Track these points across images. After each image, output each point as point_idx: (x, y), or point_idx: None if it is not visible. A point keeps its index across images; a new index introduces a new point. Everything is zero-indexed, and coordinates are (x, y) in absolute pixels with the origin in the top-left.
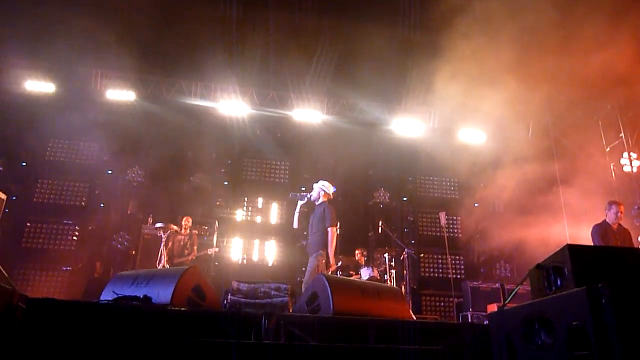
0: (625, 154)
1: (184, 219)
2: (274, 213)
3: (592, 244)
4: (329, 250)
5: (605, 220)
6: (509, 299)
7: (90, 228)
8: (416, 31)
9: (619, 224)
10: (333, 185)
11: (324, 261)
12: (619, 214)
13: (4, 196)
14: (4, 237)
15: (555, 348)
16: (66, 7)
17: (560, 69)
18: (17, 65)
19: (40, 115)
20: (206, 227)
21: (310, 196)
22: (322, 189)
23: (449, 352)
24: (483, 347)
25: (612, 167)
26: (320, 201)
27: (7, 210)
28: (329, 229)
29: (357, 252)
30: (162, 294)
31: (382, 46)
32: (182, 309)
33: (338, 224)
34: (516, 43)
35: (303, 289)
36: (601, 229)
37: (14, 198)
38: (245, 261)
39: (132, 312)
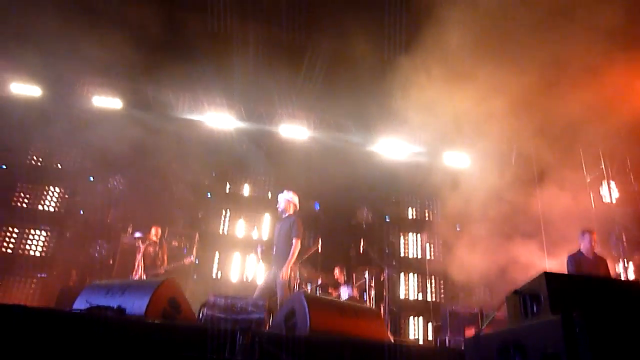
0: (605, 184)
1: (153, 228)
2: (257, 227)
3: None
4: (288, 261)
5: (579, 250)
6: (485, 324)
7: (68, 235)
8: (401, 53)
9: (595, 253)
10: (295, 195)
11: (292, 274)
12: (593, 242)
13: None
14: None
15: None
16: (55, 13)
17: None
18: (2, 68)
19: (24, 119)
20: (186, 239)
21: (281, 209)
22: (291, 200)
23: None
24: None
25: (591, 196)
26: (288, 213)
27: None
28: (295, 241)
29: (336, 269)
30: (136, 305)
31: (367, 67)
32: (156, 321)
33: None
34: (501, 71)
35: (279, 306)
36: (575, 260)
37: None
38: (223, 275)
39: (105, 322)
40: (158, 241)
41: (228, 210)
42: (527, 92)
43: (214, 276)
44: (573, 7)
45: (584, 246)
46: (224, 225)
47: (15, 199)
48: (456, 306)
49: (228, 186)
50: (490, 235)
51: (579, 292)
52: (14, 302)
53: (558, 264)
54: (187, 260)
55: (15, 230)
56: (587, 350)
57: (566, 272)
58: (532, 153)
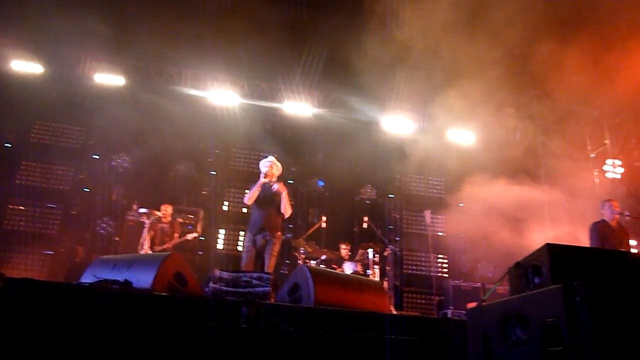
0: (609, 161)
1: (163, 207)
2: None
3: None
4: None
5: (603, 219)
6: (487, 295)
7: (73, 212)
8: (407, 30)
9: (618, 222)
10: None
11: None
12: (615, 209)
13: None
14: None
15: (530, 343)
16: None
17: (549, 75)
18: (3, 45)
19: (26, 96)
20: (192, 216)
21: (266, 174)
22: (278, 164)
23: (426, 343)
24: (460, 341)
25: (595, 172)
26: (275, 178)
27: None
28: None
29: (342, 246)
30: (142, 279)
31: (373, 43)
32: (163, 294)
33: None
34: (508, 47)
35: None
36: (599, 228)
37: None
38: (230, 251)
39: (112, 295)
40: (170, 219)
41: (232, 187)
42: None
43: (219, 251)
44: None
45: (606, 214)
46: (228, 202)
47: (20, 177)
48: (459, 281)
49: (232, 163)
50: (494, 212)
51: (581, 263)
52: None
53: (561, 237)
54: (190, 236)
55: (21, 208)
56: (587, 318)
57: (587, 242)
58: (536, 129)
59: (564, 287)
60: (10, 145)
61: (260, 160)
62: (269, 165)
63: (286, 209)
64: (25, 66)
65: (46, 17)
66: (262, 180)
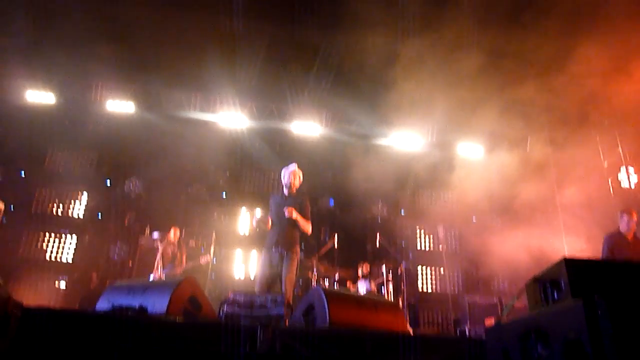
0: (623, 169)
1: (172, 229)
2: None
3: (601, 255)
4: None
5: (618, 231)
6: (505, 312)
7: (87, 239)
8: (413, 46)
9: (634, 235)
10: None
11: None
12: (632, 222)
13: (2, 205)
14: (1, 246)
15: None
16: (66, 19)
17: (557, 85)
18: (17, 76)
19: (40, 125)
20: (203, 239)
21: (290, 184)
22: (297, 173)
23: None
24: (479, 359)
25: (610, 182)
26: (294, 189)
27: (5, 220)
28: (309, 225)
29: (363, 265)
30: (157, 304)
31: (379, 60)
32: (178, 319)
33: None
34: (515, 59)
35: (285, 294)
36: (611, 240)
37: (12, 208)
38: (242, 273)
39: (128, 322)
40: (177, 242)
41: (243, 208)
42: (540, 76)
43: (231, 274)
44: None
45: (622, 226)
46: (239, 223)
47: (34, 205)
48: (475, 297)
49: (243, 185)
50: (507, 225)
51: (601, 276)
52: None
53: (577, 251)
54: (203, 260)
55: (35, 235)
56: (610, 333)
57: (600, 253)
58: (547, 140)
59: (584, 301)
60: (24, 174)
61: (269, 179)
62: (292, 174)
63: (304, 227)
64: (39, 96)
65: (58, 48)
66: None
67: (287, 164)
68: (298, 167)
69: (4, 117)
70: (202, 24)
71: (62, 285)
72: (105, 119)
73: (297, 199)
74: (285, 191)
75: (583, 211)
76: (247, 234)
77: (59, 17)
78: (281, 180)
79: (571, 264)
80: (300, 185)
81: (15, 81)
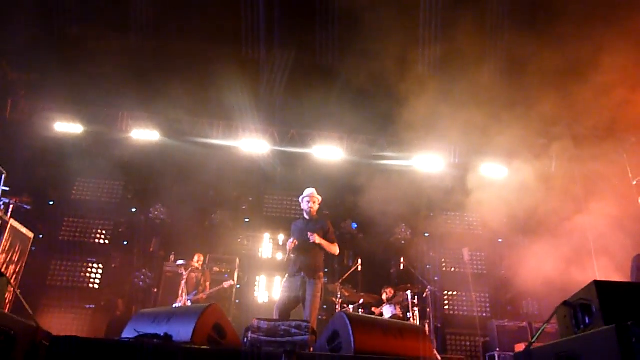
0: None
1: (196, 256)
2: None
3: (630, 275)
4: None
5: None
6: (535, 337)
7: (113, 266)
8: (436, 67)
9: None
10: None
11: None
12: None
13: (31, 234)
14: (29, 275)
15: None
16: (93, 52)
17: (583, 101)
18: (47, 109)
19: (67, 155)
20: (227, 265)
21: (309, 209)
22: (316, 197)
23: None
24: None
25: (639, 200)
26: (313, 213)
27: (33, 249)
28: (336, 246)
29: (387, 289)
30: (182, 332)
31: (400, 83)
32: (203, 347)
33: None
34: (538, 76)
35: (308, 320)
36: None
37: (41, 236)
38: (266, 298)
39: (154, 350)
40: (201, 268)
41: (267, 234)
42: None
43: (255, 300)
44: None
45: None
46: (263, 248)
47: (62, 233)
48: (504, 320)
49: (265, 210)
50: (534, 246)
51: (632, 300)
52: (67, 334)
53: (607, 272)
54: (226, 284)
55: (63, 263)
56: None
57: (629, 273)
58: (572, 158)
59: (617, 327)
60: (52, 203)
61: (292, 204)
62: (310, 199)
63: (330, 249)
64: (67, 127)
65: (86, 80)
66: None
67: (309, 188)
68: (317, 192)
69: (34, 149)
70: (224, 51)
71: (90, 312)
72: (130, 148)
73: (318, 222)
74: (306, 216)
75: (613, 231)
76: (269, 257)
77: (86, 51)
78: (301, 206)
79: (602, 288)
80: (320, 209)
81: (44, 113)
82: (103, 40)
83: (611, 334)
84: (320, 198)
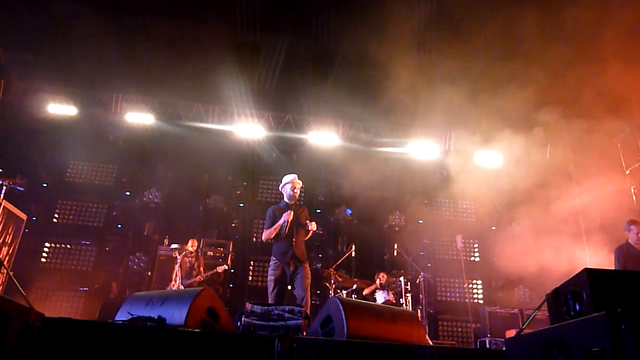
0: None
1: (190, 241)
2: None
3: (614, 267)
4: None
5: (627, 241)
6: (526, 324)
7: (107, 249)
8: (432, 53)
9: None
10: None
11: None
12: (639, 233)
13: (24, 216)
14: (23, 257)
15: None
16: (86, 34)
17: (577, 91)
18: (40, 90)
19: (61, 138)
20: (221, 249)
21: (294, 194)
22: (300, 183)
23: None
24: None
25: (632, 190)
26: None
27: (27, 230)
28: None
29: (381, 275)
30: (176, 315)
31: (396, 69)
32: (196, 330)
33: None
34: (533, 65)
35: (301, 302)
36: (622, 252)
37: (34, 218)
38: (260, 282)
39: (147, 332)
40: (194, 252)
41: (261, 219)
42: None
43: (248, 284)
44: None
45: (630, 238)
46: (256, 233)
47: (56, 215)
48: (495, 307)
49: (260, 195)
50: (527, 234)
51: (623, 288)
52: (60, 315)
53: (599, 260)
54: (220, 268)
55: (57, 245)
56: (633, 347)
57: (613, 265)
58: (566, 147)
59: (607, 314)
60: (46, 185)
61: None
62: (295, 186)
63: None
64: (61, 109)
65: (80, 62)
66: (285, 219)
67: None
68: (311, 179)
69: (27, 131)
70: (220, 35)
71: (83, 294)
72: (124, 131)
73: (301, 208)
74: (287, 200)
75: (606, 219)
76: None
77: (80, 32)
78: (282, 190)
79: (593, 276)
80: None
81: (37, 95)
82: (97, 21)
83: (601, 320)
84: (301, 183)
